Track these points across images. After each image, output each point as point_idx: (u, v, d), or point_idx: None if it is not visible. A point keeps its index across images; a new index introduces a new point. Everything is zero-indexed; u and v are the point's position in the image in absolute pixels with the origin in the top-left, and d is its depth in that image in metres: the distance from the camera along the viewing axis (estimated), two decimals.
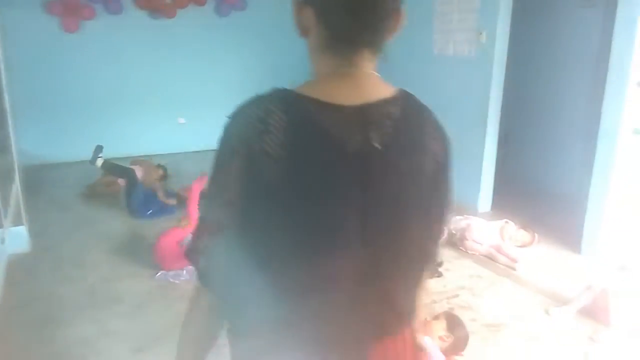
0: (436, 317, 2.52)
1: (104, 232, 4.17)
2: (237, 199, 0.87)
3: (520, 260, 3.62)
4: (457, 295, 3.25)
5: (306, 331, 0.92)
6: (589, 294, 2.96)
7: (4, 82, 4.12)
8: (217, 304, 0.95)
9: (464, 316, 2.86)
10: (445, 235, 1.11)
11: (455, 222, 4.09)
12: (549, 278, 3.50)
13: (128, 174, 4.68)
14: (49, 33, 5.92)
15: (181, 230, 3.45)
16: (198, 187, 3.57)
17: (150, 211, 4.46)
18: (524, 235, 3.95)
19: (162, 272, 3.35)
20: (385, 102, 0.94)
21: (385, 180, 0.91)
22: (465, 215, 4.17)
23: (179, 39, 6.56)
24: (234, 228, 0.88)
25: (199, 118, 6.76)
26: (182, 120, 6.90)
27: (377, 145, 0.89)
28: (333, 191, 0.88)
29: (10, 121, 4.31)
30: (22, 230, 3.76)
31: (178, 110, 6.83)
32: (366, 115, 0.90)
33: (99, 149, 4.81)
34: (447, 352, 2.42)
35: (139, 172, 4.84)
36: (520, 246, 3.91)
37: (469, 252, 3.87)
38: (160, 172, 5.05)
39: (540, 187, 5.28)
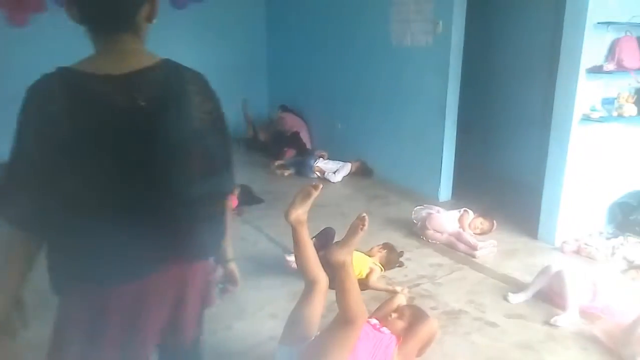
0: (398, 311, 2.48)
1: None
2: (38, 154, 1.16)
3: (480, 248, 3.67)
4: (418, 284, 3.27)
5: (102, 255, 1.23)
6: (545, 278, 3.02)
7: None
8: (28, 240, 1.24)
9: (425, 305, 2.89)
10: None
11: (416, 212, 4.12)
12: (507, 264, 3.56)
13: None
14: None
15: None
16: None
17: None
18: (483, 223, 4.01)
19: None
20: (148, 70, 1.23)
21: (151, 128, 1.21)
22: (425, 205, 4.21)
23: None
24: (37, 177, 1.17)
25: None
26: None
27: (142, 103, 1.19)
28: (109, 141, 1.19)
29: None
30: None
31: None
32: (132, 80, 1.20)
33: None
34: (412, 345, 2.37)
35: None
36: (480, 234, 3.96)
37: (430, 241, 3.90)
38: None
39: (499, 175, 5.38)
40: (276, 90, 7.40)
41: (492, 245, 3.74)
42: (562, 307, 2.87)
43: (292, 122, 6.47)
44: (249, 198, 4.68)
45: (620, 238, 3.80)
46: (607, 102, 3.61)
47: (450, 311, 2.95)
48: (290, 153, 6.12)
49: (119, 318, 1.30)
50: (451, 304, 3.02)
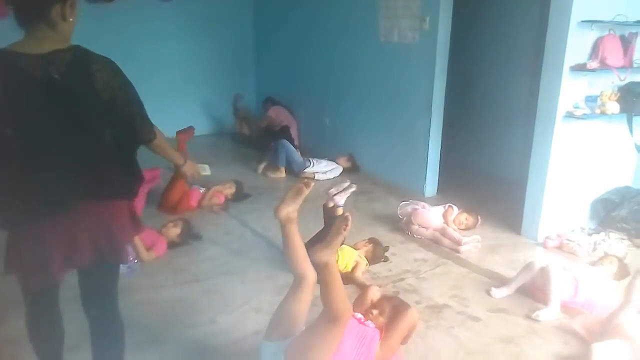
0: (378, 307, 2.49)
1: None
2: None
3: (464, 243, 3.70)
4: (402, 279, 3.29)
5: (34, 195, 1.68)
6: (528, 274, 3.05)
7: None
8: None
9: (409, 299, 2.89)
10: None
11: (401, 207, 4.14)
12: (490, 259, 3.60)
13: None
14: None
15: None
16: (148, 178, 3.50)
17: None
18: (467, 218, 4.04)
19: None
20: (60, 52, 1.65)
21: (64, 95, 1.64)
22: (410, 200, 4.22)
23: (119, 24, 6.28)
24: None
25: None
26: None
27: (56, 76, 1.62)
28: (34, 103, 1.64)
29: None
30: None
31: None
32: (47, 58, 1.62)
33: None
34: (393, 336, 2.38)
35: None
36: (464, 229, 4.00)
37: (415, 236, 3.92)
38: None
39: (484, 171, 5.42)
40: (264, 84, 7.37)
41: (476, 241, 3.78)
42: (544, 301, 2.91)
43: (282, 117, 6.44)
44: (240, 194, 4.67)
45: (602, 234, 3.85)
46: (591, 99, 3.65)
47: (434, 305, 2.97)
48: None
49: (53, 245, 1.72)
50: (435, 299, 3.05)
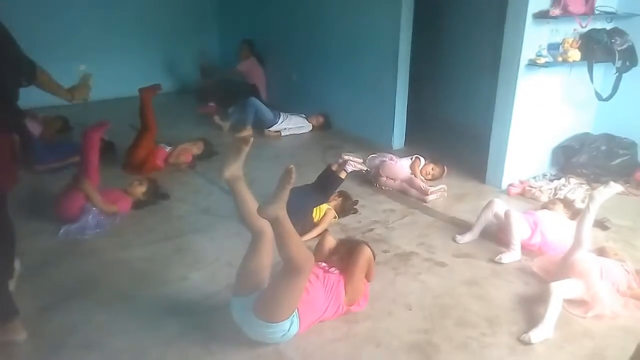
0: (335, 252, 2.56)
1: None
2: None
3: (431, 193, 3.77)
4: (371, 230, 3.35)
5: None
6: (488, 212, 3.15)
7: None
8: None
9: (378, 248, 2.96)
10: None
11: (369, 160, 4.17)
12: (456, 207, 3.69)
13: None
14: None
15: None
16: (97, 135, 3.40)
17: (53, 165, 4.18)
18: (434, 169, 4.11)
19: (64, 227, 3.18)
20: None
21: None
22: (378, 153, 4.26)
23: None
24: None
25: (101, 66, 6.30)
26: (83, 67, 6.41)
27: None
28: None
29: None
30: None
31: (79, 59, 6.33)
32: None
33: None
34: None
35: (36, 126, 4.55)
36: (431, 179, 4.07)
37: (383, 187, 3.98)
38: (60, 123, 4.75)
39: (451, 123, 5.48)
40: (228, 40, 7.17)
41: (442, 190, 3.85)
42: (506, 244, 3.02)
43: (253, 72, 6.27)
44: (209, 152, 4.61)
45: (563, 180, 3.99)
46: (553, 47, 3.69)
47: (402, 253, 3.05)
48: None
49: None
50: (403, 247, 3.13)
